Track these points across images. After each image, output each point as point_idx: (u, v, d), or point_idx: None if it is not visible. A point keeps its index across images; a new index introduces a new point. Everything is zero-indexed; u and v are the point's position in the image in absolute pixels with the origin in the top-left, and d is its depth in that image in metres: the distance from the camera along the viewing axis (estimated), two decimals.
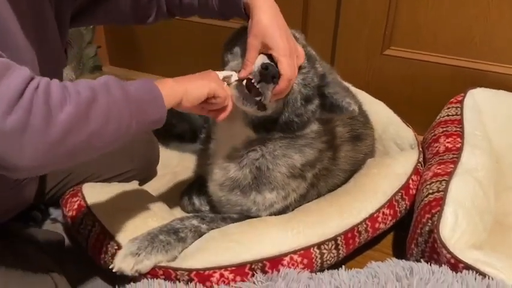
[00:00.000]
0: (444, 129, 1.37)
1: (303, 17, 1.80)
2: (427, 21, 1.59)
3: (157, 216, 1.16)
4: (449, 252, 0.99)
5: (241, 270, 1.01)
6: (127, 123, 0.76)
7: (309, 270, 1.04)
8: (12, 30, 0.76)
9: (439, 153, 1.30)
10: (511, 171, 1.39)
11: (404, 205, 1.24)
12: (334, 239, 1.09)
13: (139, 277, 1.00)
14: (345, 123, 1.22)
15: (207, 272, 1.00)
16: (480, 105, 1.46)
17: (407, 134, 1.43)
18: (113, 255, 1.03)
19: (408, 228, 1.18)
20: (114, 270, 0.98)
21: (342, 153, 1.21)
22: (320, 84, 1.05)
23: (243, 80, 0.96)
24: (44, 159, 0.68)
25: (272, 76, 0.92)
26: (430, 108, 1.56)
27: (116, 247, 1.05)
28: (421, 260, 1.04)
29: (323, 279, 0.95)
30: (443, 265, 0.98)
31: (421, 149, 1.37)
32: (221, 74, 0.97)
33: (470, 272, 0.94)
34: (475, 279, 0.92)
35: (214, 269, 1.00)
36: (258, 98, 0.96)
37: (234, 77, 0.97)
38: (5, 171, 0.67)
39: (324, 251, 1.08)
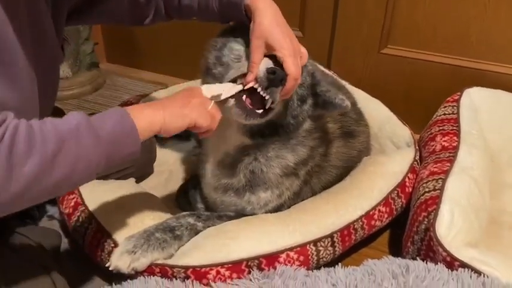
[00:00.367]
0: (441, 127, 1.38)
1: (301, 14, 1.80)
2: (425, 20, 1.60)
3: (154, 213, 1.15)
4: (445, 250, 0.99)
5: (238, 267, 1.01)
6: (97, 164, 0.76)
7: (305, 267, 1.05)
8: (7, 30, 0.76)
9: (435, 151, 1.30)
10: (506, 170, 1.40)
11: (400, 203, 1.24)
12: (330, 236, 1.10)
13: (135, 275, 1.00)
14: (335, 119, 1.22)
15: (203, 269, 1.00)
16: (476, 104, 1.47)
17: (403, 132, 1.43)
18: (110, 253, 1.03)
19: (404, 226, 1.19)
20: (110, 268, 0.98)
21: (333, 150, 1.21)
22: (312, 82, 1.05)
23: (240, 94, 0.93)
24: (10, 206, 0.70)
25: (281, 79, 0.91)
26: (426, 107, 1.56)
27: (113, 245, 1.05)
28: (417, 258, 1.05)
29: (319, 277, 0.95)
30: (439, 263, 0.98)
31: (417, 147, 1.38)
32: (208, 91, 0.93)
33: (466, 270, 0.95)
34: (471, 277, 0.92)
35: (210, 266, 1.00)
36: (259, 111, 0.94)
37: (225, 94, 0.93)
38: None
39: (320, 248, 1.08)
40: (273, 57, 0.95)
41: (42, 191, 0.72)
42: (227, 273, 1.00)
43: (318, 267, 1.07)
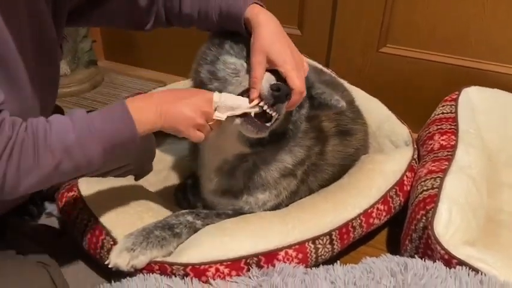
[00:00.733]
0: (439, 126, 1.38)
1: (300, 13, 1.80)
2: (424, 19, 1.60)
3: (153, 211, 1.16)
4: (443, 249, 1.00)
5: (237, 264, 1.01)
6: (97, 164, 0.84)
7: (304, 265, 1.05)
8: (6, 32, 0.76)
9: (433, 150, 1.31)
10: (503, 169, 1.41)
11: (399, 201, 1.25)
12: (329, 233, 1.10)
13: (134, 272, 1.00)
14: (330, 118, 1.22)
15: (202, 267, 1.00)
16: (474, 104, 1.47)
17: (402, 131, 1.44)
18: (109, 251, 1.03)
19: (402, 225, 1.20)
20: (109, 266, 0.98)
21: (329, 148, 1.21)
22: (307, 86, 1.02)
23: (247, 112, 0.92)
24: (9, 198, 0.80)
25: (286, 95, 0.90)
26: (425, 106, 1.57)
27: (112, 242, 1.05)
28: (415, 256, 1.05)
29: (318, 275, 0.96)
30: (437, 261, 0.99)
31: (415, 146, 1.38)
32: (221, 103, 0.91)
33: (464, 267, 0.95)
34: (468, 274, 0.93)
35: (209, 263, 1.00)
36: (268, 124, 0.94)
37: (239, 110, 0.92)
38: None
39: (319, 245, 1.08)
40: (275, 71, 0.93)
41: (47, 185, 0.83)
42: (226, 270, 1.01)
43: (316, 265, 1.07)
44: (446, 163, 1.21)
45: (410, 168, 1.29)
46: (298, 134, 1.09)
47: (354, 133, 1.29)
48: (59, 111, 1.71)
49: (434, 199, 1.10)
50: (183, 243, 1.06)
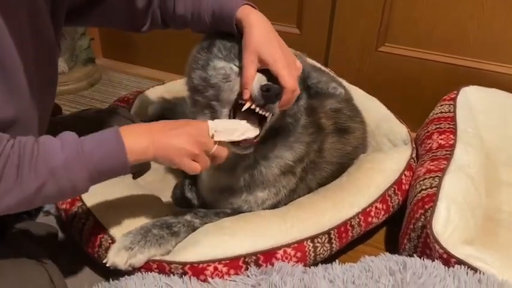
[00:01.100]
0: (437, 126, 1.38)
1: (298, 12, 1.80)
2: (422, 18, 1.60)
3: (151, 210, 1.15)
4: (442, 248, 1.00)
5: (235, 263, 1.01)
6: (81, 190, 0.82)
7: (303, 263, 1.05)
8: (5, 33, 0.76)
9: (432, 149, 1.31)
10: (502, 168, 1.41)
11: (397, 200, 1.25)
12: (328, 232, 1.10)
13: (133, 271, 1.00)
14: (328, 116, 1.22)
15: (201, 265, 1.00)
16: (473, 103, 1.47)
17: (400, 130, 1.44)
18: (107, 249, 1.02)
19: (400, 224, 1.20)
20: (107, 265, 0.98)
21: (327, 146, 1.21)
22: (302, 77, 1.03)
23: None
24: None
25: (276, 94, 0.90)
26: (423, 105, 1.57)
27: (110, 241, 1.05)
28: (414, 255, 1.05)
29: (317, 273, 0.96)
30: (435, 260, 0.99)
31: (414, 145, 1.38)
32: (217, 132, 0.90)
33: (462, 266, 0.95)
34: (467, 273, 0.93)
35: (208, 262, 1.00)
36: (255, 139, 0.95)
37: (236, 136, 0.92)
38: None
39: (318, 244, 1.08)
40: (267, 71, 0.93)
41: (28, 208, 0.80)
42: (224, 269, 1.00)
43: (315, 264, 1.07)
44: (445, 162, 1.21)
45: (408, 167, 1.29)
46: (298, 127, 1.09)
47: (352, 131, 1.29)
48: (57, 109, 1.71)
49: (433, 198, 1.10)
50: (182, 242, 1.06)
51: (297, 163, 1.13)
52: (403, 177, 1.27)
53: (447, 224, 1.04)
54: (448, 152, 1.26)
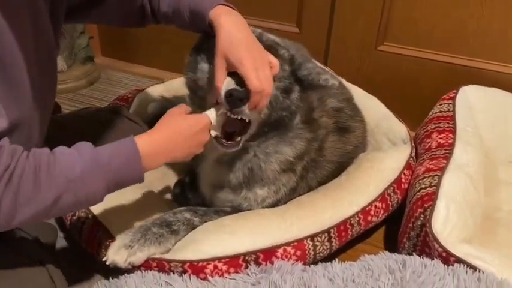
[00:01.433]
0: (436, 125, 1.38)
1: (298, 11, 1.80)
2: (422, 17, 1.60)
3: (151, 208, 1.15)
4: (441, 246, 1.00)
5: (235, 261, 1.01)
6: (99, 198, 0.83)
7: (302, 262, 1.05)
8: (7, 31, 0.75)
9: (431, 148, 1.31)
10: (501, 167, 1.42)
11: (396, 199, 1.25)
12: (327, 231, 1.10)
13: (132, 269, 1.00)
14: (329, 114, 1.22)
15: (200, 264, 1.00)
16: (472, 102, 1.47)
17: (400, 129, 1.44)
18: (106, 248, 1.02)
19: (399, 223, 1.20)
20: (107, 263, 0.98)
21: (327, 144, 1.21)
22: (292, 69, 1.03)
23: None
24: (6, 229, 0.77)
25: (240, 99, 0.90)
26: (422, 104, 1.57)
27: (109, 240, 1.04)
28: (413, 253, 1.06)
29: (316, 272, 0.96)
30: (435, 258, 0.99)
31: (413, 144, 1.39)
32: (212, 119, 0.96)
33: (462, 265, 0.96)
34: (466, 272, 0.93)
35: (208, 260, 1.00)
36: (238, 139, 0.99)
37: (213, 121, 0.97)
38: None
39: (317, 243, 1.08)
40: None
41: (43, 219, 0.80)
42: (224, 267, 1.00)
43: (314, 262, 1.08)
44: (444, 161, 1.21)
45: (408, 166, 1.30)
46: (295, 120, 1.08)
47: (353, 130, 1.29)
48: (56, 108, 1.70)
49: (433, 197, 1.10)
50: (182, 240, 1.06)
51: (297, 160, 1.13)
52: (403, 176, 1.27)
53: (446, 223, 1.04)
54: (447, 151, 1.26)
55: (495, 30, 1.53)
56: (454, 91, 1.50)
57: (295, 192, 1.20)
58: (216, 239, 1.03)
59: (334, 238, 1.12)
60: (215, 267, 1.00)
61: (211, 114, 0.96)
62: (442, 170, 1.18)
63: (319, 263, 1.03)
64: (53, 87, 0.99)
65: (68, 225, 1.15)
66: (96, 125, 1.26)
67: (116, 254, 0.98)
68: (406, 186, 1.27)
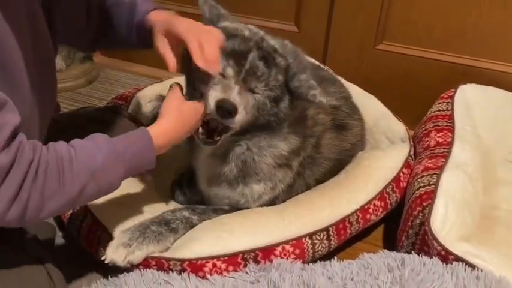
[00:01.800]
0: (435, 124, 1.39)
1: (297, 10, 1.80)
2: (420, 16, 1.60)
3: (150, 206, 1.15)
4: (440, 245, 1.00)
5: (234, 260, 1.01)
6: (117, 185, 0.88)
7: (301, 260, 1.05)
8: (6, 31, 0.75)
9: (430, 147, 1.31)
10: (499, 166, 1.42)
11: (395, 197, 1.25)
12: (326, 229, 1.11)
13: (132, 268, 1.00)
14: (327, 111, 1.22)
15: (199, 262, 1.00)
16: (470, 101, 1.48)
17: (398, 127, 1.44)
18: (105, 246, 1.02)
19: (398, 221, 1.20)
20: (106, 262, 0.97)
21: (324, 141, 1.21)
22: (285, 79, 1.03)
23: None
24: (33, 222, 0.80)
25: (229, 112, 0.94)
26: (421, 103, 1.57)
27: (108, 238, 1.04)
28: (412, 252, 1.06)
29: (316, 270, 0.96)
30: (433, 257, 0.99)
31: (412, 142, 1.39)
32: None
33: (460, 263, 0.96)
34: (465, 270, 0.94)
35: (206, 258, 1.00)
36: (217, 138, 1.02)
37: None
38: None
39: (316, 241, 1.09)
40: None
41: (67, 210, 0.89)
42: (223, 265, 1.01)
43: (313, 261, 1.08)
44: (443, 160, 1.21)
45: (406, 164, 1.30)
46: (284, 125, 1.08)
47: (350, 128, 1.29)
48: (55, 107, 1.69)
49: (431, 195, 1.10)
50: (180, 238, 1.06)
51: (292, 155, 1.13)
52: (401, 174, 1.27)
53: (445, 221, 1.04)
54: (445, 150, 1.26)
55: (493, 28, 1.53)
56: (453, 90, 1.50)
57: (292, 190, 1.19)
58: (214, 237, 1.03)
59: (333, 236, 1.12)
60: (214, 265, 1.00)
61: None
62: (441, 168, 1.18)
63: (318, 261, 1.03)
64: (53, 89, 0.99)
65: (67, 224, 1.15)
66: (95, 124, 1.26)
67: (114, 252, 0.98)
68: (405, 184, 1.27)
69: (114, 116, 1.34)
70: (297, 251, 1.06)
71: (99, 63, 2.23)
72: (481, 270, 0.94)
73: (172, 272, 0.99)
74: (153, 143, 0.89)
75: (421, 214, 1.09)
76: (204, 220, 1.10)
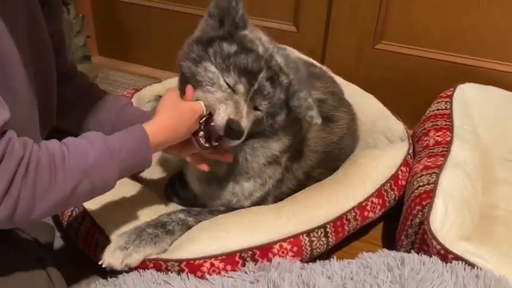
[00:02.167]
0: (434, 123, 1.39)
1: (295, 10, 1.80)
2: (418, 16, 1.60)
3: (148, 209, 1.15)
4: (439, 244, 1.00)
5: (231, 259, 1.01)
6: (112, 184, 0.85)
7: (299, 258, 1.05)
8: (4, 33, 0.75)
9: (429, 146, 1.31)
10: (498, 165, 1.42)
11: (393, 195, 1.25)
12: (323, 226, 1.11)
13: (129, 271, 0.99)
14: None
15: (197, 262, 1.00)
16: (469, 100, 1.48)
17: (397, 127, 1.44)
18: (103, 249, 1.01)
19: (397, 220, 1.20)
20: (103, 266, 0.97)
21: (311, 134, 1.21)
22: (285, 97, 1.05)
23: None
24: (26, 223, 0.77)
25: (237, 136, 0.96)
26: (420, 103, 1.57)
27: (106, 241, 1.04)
28: (411, 251, 1.06)
29: (315, 270, 0.96)
30: (433, 256, 0.99)
31: (410, 141, 1.39)
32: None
33: (460, 262, 0.96)
34: (464, 269, 0.93)
35: (204, 258, 1.00)
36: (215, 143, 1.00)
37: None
38: None
39: (314, 238, 1.08)
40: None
41: (60, 210, 0.85)
42: (221, 265, 1.00)
43: (311, 259, 1.08)
44: (442, 159, 1.21)
45: (405, 163, 1.30)
46: (277, 132, 1.09)
47: (336, 120, 1.29)
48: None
49: (430, 195, 1.10)
50: (178, 240, 1.06)
51: (283, 153, 1.13)
52: (400, 172, 1.27)
53: (444, 220, 1.04)
54: (444, 149, 1.26)
55: (491, 28, 1.53)
56: (451, 89, 1.50)
57: (282, 184, 1.19)
58: (211, 237, 1.03)
59: (331, 234, 1.12)
60: (212, 265, 1.00)
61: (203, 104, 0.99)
62: (440, 167, 1.18)
63: (318, 260, 1.03)
64: (53, 89, 0.97)
65: (65, 226, 1.15)
66: None
67: (111, 256, 0.97)
68: (403, 183, 1.27)
69: None
70: (295, 249, 1.05)
71: (97, 64, 2.22)
72: (481, 269, 0.93)
73: (171, 272, 0.99)
74: (149, 140, 0.88)
75: (420, 213, 1.09)
76: (200, 221, 1.10)
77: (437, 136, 1.32)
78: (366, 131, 1.45)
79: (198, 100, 1.00)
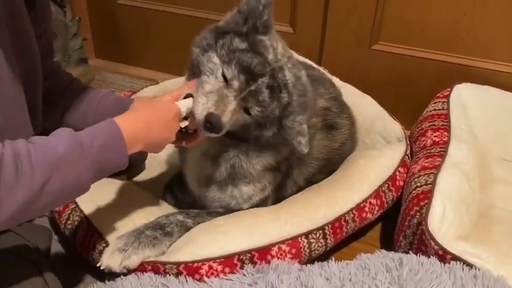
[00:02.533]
0: (431, 123, 1.39)
1: (292, 11, 1.80)
2: (415, 16, 1.61)
3: (146, 211, 1.15)
4: (438, 244, 1.00)
5: (230, 261, 1.01)
6: (86, 182, 0.80)
7: (298, 260, 1.05)
8: None
9: (426, 146, 1.32)
10: (495, 165, 1.42)
11: (391, 196, 1.25)
12: (322, 228, 1.10)
13: (128, 272, 0.99)
14: (318, 114, 1.22)
15: (195, 265, 0.99)
16: (466, 100, 1.48)
17: (394, 127, 1.44)
18: (101, 252, 1.02)
19: (395, 221, 1.20)
20: (101, 268, 0.97)
21: (315, 142, 1.20)
22: (280, 115, 1.01)
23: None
24: (2, 227, 0.72)
25: (216, 130, 0.94)
26: (417, 103, 1.57)
27: (104, 244, 1.04)
28: (409, 251, 1.06)
29: (313, 271, 0.96)
30: (431, 256, 0.99)
31: (408, 142, 1.39)
32: (183, 109, 0.98)
33: (458, 262, 0.96)
34: (463, 269, 0.94)
35: (202, 261, 1.00)
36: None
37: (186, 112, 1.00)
38: None
39: (312, 240, 1.08)
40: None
41: (33, 213, 0.75)
42: (219, 267, 1.00)
43: (310, 261, 1.08)
44: (439, 159, 1.22)
45: (403, 163, 1.30)
46: (261, 144, 1.07)
47: (339, 127, 1.28)
48: None
49: (428, 195, 1.10)
50: (176, 242, 1.06)
51: (281, 162, 1.13)
52: (397, 173, 1.27)
53: (442, 221, 1.04)
54: (442, 149, 1.26)
55: (488, 28, 1.53)
56: (448, 89, 1.50)
57: (282, 189, 1.19)
58: (210, 239, 1.03)
59: (329, 235, 1.12)
60: (210, 267, 1.00)
61: (182, 105, 0.98)
62: (438, 168, 1.18)
63: (316, 262, 1.03)
64: (37, 86, 0.96)
65: (63, 229, 1.14)
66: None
67: (109, 258, 0.97)
68: (401, 183, 1.27)
69: None
70: (294, 251, 1.05)
71: (94, 66, 2.22)
72: (479, 269, 0.93)
73: (169, 275, 0.99)
74: (121, 131, 0.83)
75: (418, 214, 1.09)
76: (199, 223, 1.10)
77: (435, 136, 1.33)
78: (363, 132, 1.45)
79: (189, 93, 0.99)
